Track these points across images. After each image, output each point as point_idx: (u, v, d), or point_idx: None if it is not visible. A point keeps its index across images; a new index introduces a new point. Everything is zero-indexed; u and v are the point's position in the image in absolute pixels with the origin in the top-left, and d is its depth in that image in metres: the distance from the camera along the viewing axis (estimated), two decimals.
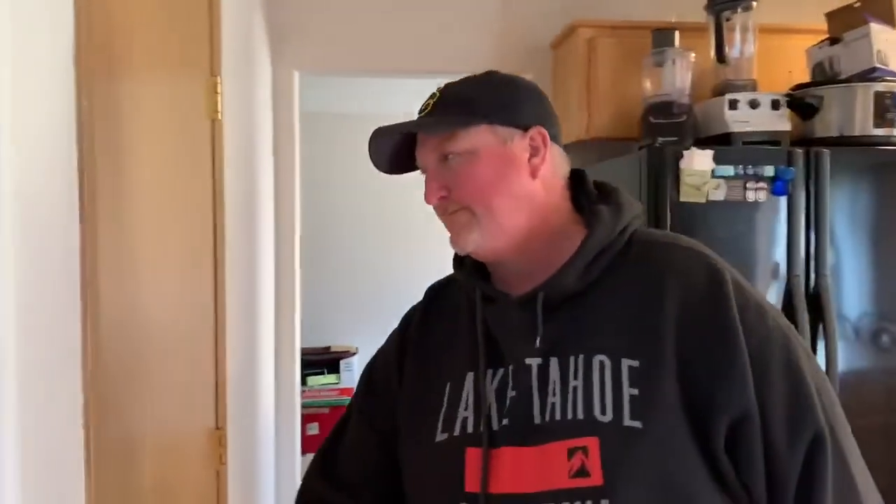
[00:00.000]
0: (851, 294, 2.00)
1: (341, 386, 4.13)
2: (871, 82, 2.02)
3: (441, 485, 0.90)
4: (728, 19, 2.17)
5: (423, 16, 2.65)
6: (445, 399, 0.92)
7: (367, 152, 0.95)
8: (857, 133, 2.02)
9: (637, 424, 0.81)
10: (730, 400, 0.81)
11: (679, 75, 2.14)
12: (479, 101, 0.91)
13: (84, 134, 0.90)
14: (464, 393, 0.91)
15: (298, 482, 2.85)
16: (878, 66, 2.05)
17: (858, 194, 2.02)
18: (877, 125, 2.00)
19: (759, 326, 0.84)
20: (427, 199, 0.92)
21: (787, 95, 2.09)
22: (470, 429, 0.89)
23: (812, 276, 1.95)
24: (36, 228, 0.77)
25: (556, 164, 0.93)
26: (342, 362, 4.17)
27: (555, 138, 0.93)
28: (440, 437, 0.90)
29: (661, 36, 2.18)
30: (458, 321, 0.97)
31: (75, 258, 0.88)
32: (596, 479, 0.80)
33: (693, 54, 2.18)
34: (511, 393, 0.88)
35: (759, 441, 0.81)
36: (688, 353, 0.83)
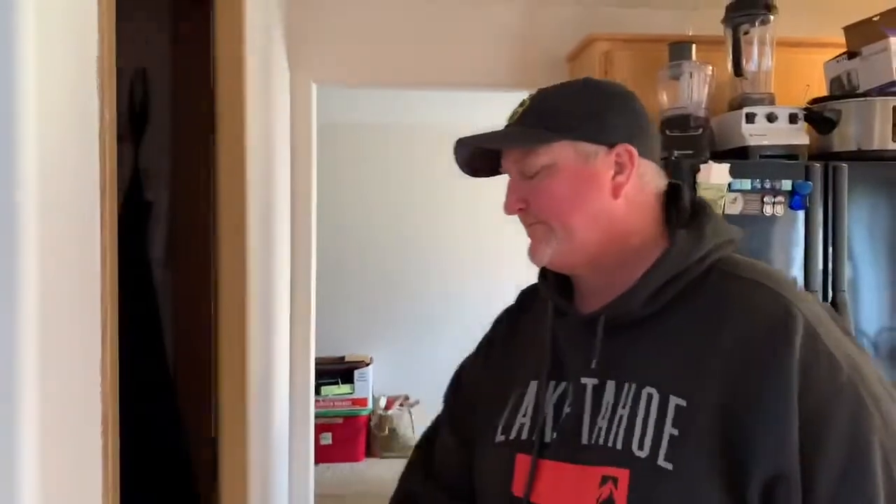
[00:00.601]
0: (870, 309, 1.98)
1: (355, 396, 4.12)
2: (889, 96, 2.00)
3: (493, 484, 0.92)
4: (746, 33, 2.16)
5: (441, 28, 2.67)
6: (510, 402, 0.94)
7: (453, 157, 0.95)
8: (875, 147, 2.01)
9: (668, 466, 0.78)
10: (766, 454, 0.76)
11: (696, 88, 2.14)
12: (565, 114, 0.89)
13: (105, 147, 0.91)
14: (525, 400, 0.93)
15: (312, 490, 2.86)
16: None
17: (877, 209, 2.00)
18: None
19: (824, 384, 0.77)
20: (505, 210, 0.93)
21: (805, 109, 2.08)
22: (524, 436, 0.90)
23: (830, 291, 1.94)
24: (56, 236, 0.78)
25: (645, 182, 0.90)
26: (356, 372, 4.17)
27: (647, 153, 0.90)
28: (499, 437, 0.92)
29: (678, 49, 2.18)
30: (538, 327, 0.96)
31: (96, 266, 0.89)
32: None
33: (710, 67, 2.18)
34: (567, 409, 0.88)
35: (797, 499, 0.75)
36: (735, 397, 0.78)
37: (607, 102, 0.90)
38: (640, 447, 0.80)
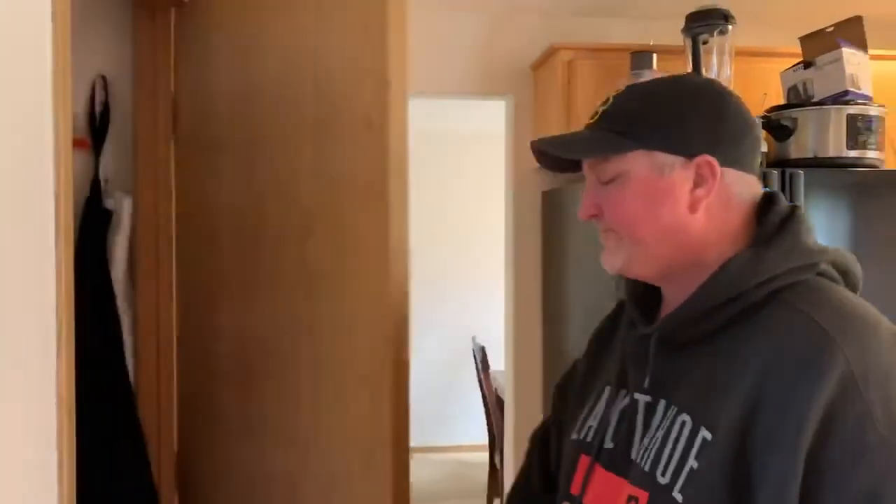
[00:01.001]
0: None
1: None
2: (843, 105, 2.05)
3: (562, 477, 0.96)
4: (705, 42, 2.20)
5: (409, 37, 2.67)
6: (589, 404, 0.96)
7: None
8: (830, 154, 2.05)
9: (679, 498, 0.77)
10: (763, 500, 0.72)
11: None
12: (643, 120, 0.84)
13: (61, 155, 0.90)
14: (599, 404, 0.94)
15: None
16: (851, 89, 2.09)
17: (833, 214, 2.05)
18: (850, 147, 2.04)
19: (848, 439, 0.70)
20: (579, 214, 0.91)
21: (763, 117, 2.12)
22: (589, 438, 0.92)
23: None
24: (7, 245, 0.77)
25: (731, 193, 0.85)
26: None
27: (737, 163, 0.85)
28: (573, 435, 0.96)
29: (639, 58, 2.21)
30: (628, 333, 0.95)
31: (51, 273, 0.88)
32: None
33: None
34: (625, 422, 0.88)
35: None
36: (750, 435, 0.74)
37: (693, 107, 0.85)
38: (664, 474, 0.79)
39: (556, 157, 0.92)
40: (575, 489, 0.90)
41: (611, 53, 2.33)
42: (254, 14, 1.56)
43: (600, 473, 0.88)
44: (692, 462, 0.77)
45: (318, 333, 1.40)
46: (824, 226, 2.01)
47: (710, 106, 0.85)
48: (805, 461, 0.70)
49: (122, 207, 1.68)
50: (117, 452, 1.62)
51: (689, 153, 0.83)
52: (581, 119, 2.34)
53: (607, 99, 0.89)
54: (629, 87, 0.89)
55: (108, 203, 1.68)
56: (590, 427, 0.93)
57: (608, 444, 0.89)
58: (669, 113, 0.84)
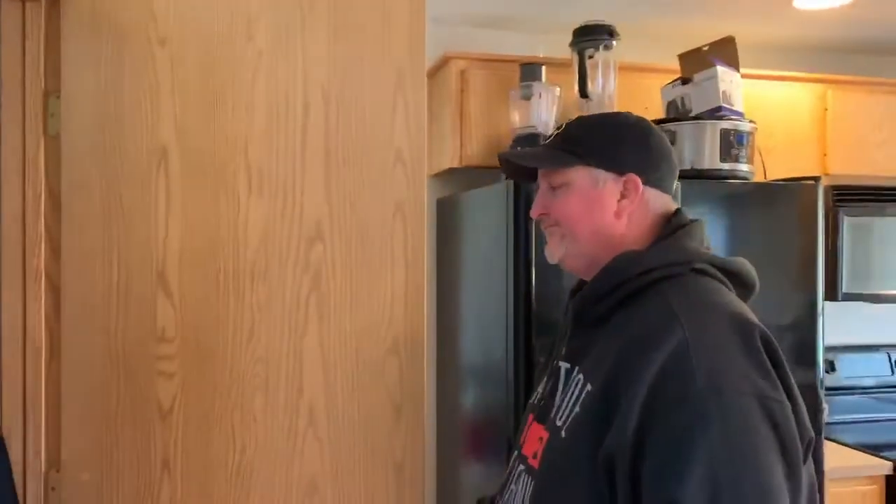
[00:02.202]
0: None
1: None
2: (717, 120, 2.18)
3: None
4: (590, 56, 2.28)
5: None
6: (544, 378, 1.16)
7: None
8: (706, 166, 2.17)
9: (564, 434, 0.99)
10: (610, 439, 0.92)
11: (545, 108, 2.23)
12: (586, 143, 1.08)
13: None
14: (547, 371, 1.15)
15: None
16: (724, 105, 2.22)
17: (709, 223, 2.14)
18: (723, 159, 2.16)
19: (672, 391, 0.89)
20: (531, 213, 1.15)
21: None
22: (535, 401, 1.14)
23: None
24: None
25: (649, 207, 1.08)
26: None
27: (656, 183, 1.08)
28: (531, 400, 1.18)
29: (529, 70, 2.27)
30: (564, 319, 1.18)
31: None
32: (534, 463, 1.05)
33: (559, 88, 2.28)
34: (551, 383, 1.10)
35: (626, 483, 0.90)
36: (611, 388, 0.94)
37: (626, 137, 1.09)
38: (559, 418, 1.02)
39: (516, 168, 1.19)
40: (520, 440, 1.13)
41: (502, 64, 2.37)
42: None
43: (534, 425, 1.10)
44: (577, 409, 0.99)
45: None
46: None
47: (639, 137, 1.10)
48: (641, 405, 0.89)
49: None
50: None
51: (619, 171, 1.07)
52: (474, 128, 2.40)
53: (562, 125, 1.14)
54: (580, 118, 1.15)
55: None
56: (537, 393, 1.15)
57: (541, 403, 1.10)
58: (607, 140, 1.09)
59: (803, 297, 2.16)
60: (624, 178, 1.06)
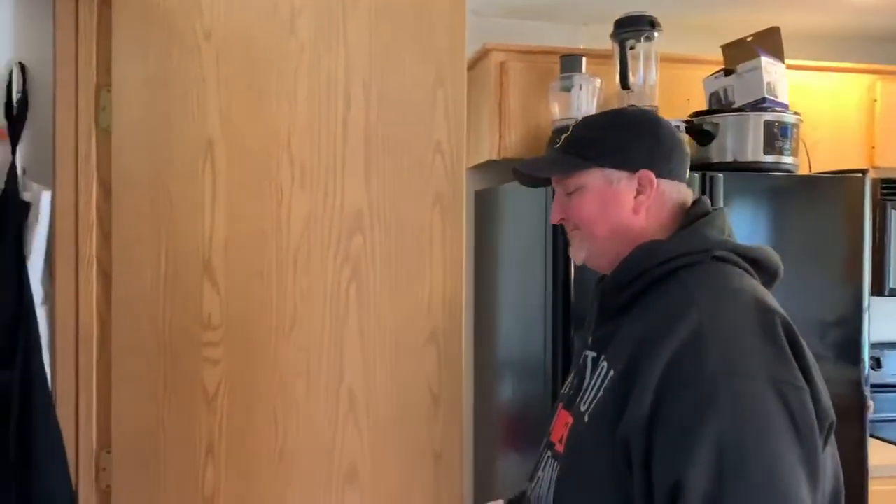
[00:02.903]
0: None
1: None
2: (761, 112, 2.14)
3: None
4: (632, 48, 2.26)
5: None
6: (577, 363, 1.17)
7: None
8: (749, 159, 2.14)
9: (587, 419, 1.01)
10: (625, 420, 0.94)
11: (585, 100, 2.22)
12: (596, 145, 1.10)
13: None
14: (577, 361, 1.16)
15: None
16: (768, 96, 2.18)
17: (751, 215, 2.13)
18: (766, 152, 2.13)
19: (685, 374, 0.91)
20: (550, 219, 1.17)
21: (686, 122, 2.20)
22: (565, 390, 1.16)
23: None
24: None
25: (665, 198, 1.09)
26: None
27: (670, 174, 1.09)
28: (562, 390, 1.19)
29: (569, 62, 2.26)
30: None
31: None
32: (560, 448, 1.07)
33: (599, 80, 2.27)
34: (579, 372, 1.11)
35: (640, 462, 0.92)
36: (630, 372, 0.96)
37: (634, 133, 1.10)
38: (584, 403, 1.04)
39: (530, 175, 1.20)
40: (551, 428, 1.14)
41: (542, 56, 2.36)
42: None
43: (561, 412, 1.12)
44: (601, 394, 1.01)
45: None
46: (742, 226, 2.09)
47: (647, 131, 1.11)
48: (656, 386, 0.91)
49: (40, 199, 1.62)
50: (33, 456, 1.56)
51: (632, 168, 1.08)
52: (513, 121, 2.40)
53: (568, 128, 1.15)
54: (584, 118, 1.18)
55: (26, 195, 1.62)
56: (568, 383, 1.17)
57: (569, 392, 1.12)
58: (616, 138, 1.10)
59: (849, 292, 2.12)
60: (637, 175, 1.07)
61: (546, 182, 1.20)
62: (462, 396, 1.59)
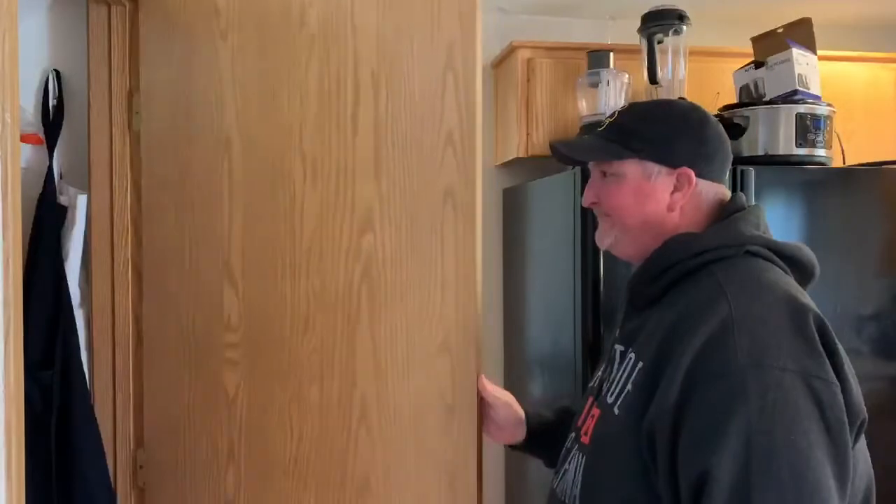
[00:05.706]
0: None
1: None
2: (793, 104, 2.11)
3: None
4: (660, 42, 2.24)
5: None
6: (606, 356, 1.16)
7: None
8: (781, 152, 2.10)
9: (617, 412, 1.01)
10: (652, 411, 0.94)
11: (613, 95, 2.20)
12: (639, 135, 1.07)
13: (7, 149, 0.88)
14: (606, 355, 1.16)
15: None
16: (800, 88, 2.15)
17: (784, 209, 2.10)
18: (799, 145, 2.09)
19: (714, 365, 0.90)
20: (583, 202, 1.14)
21: (716, 116, 2.16)
22: (595, 383, 1.15)
23: None
24: None
25: (702, 198, 1.07)
26: None
27: (710, 174, 1.07)
28: (590, 382, 1.19)
29: (597, 57, 2.25)
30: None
31: None
32: (586, 440, 1.08)
33: (627, 75, 2.25)
34: (609, 365, 1.10)
35: (665, 452, 0.91)
36: (658, 364, 0.96)
37: (680, 128, 1.08)
38: (611, 395, 1.04)
39: (567, 153, 1.17)
40: (578, 422, 1.14)
41: (569, 52, 2.35)
42: None
43: (588, 405, 1.12)
44: (629, 386, 1.00)
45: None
46: (775, 221, 2.06)
47: (693, 128, 1.08)
48: (683, 377, 0.91)
49: (76, 203, 1.66)
50: (72, 454, 1.59)
51: (672, 164, 1.06)
52: (540, 117, 2.39)
53: (614, 113, 1.13)
54: (632, 105, 1.15)
55: (62, 199, 1.65)
56: (597, 377, 1.15)
57: (597, 384, 1.12)
58: (661, 132, 1.07)
59: (886, 286, 2.08)
60: (677, 172, 1.06)
61: (581, 162, 1.20)
62: (475, 406, 1.44)
